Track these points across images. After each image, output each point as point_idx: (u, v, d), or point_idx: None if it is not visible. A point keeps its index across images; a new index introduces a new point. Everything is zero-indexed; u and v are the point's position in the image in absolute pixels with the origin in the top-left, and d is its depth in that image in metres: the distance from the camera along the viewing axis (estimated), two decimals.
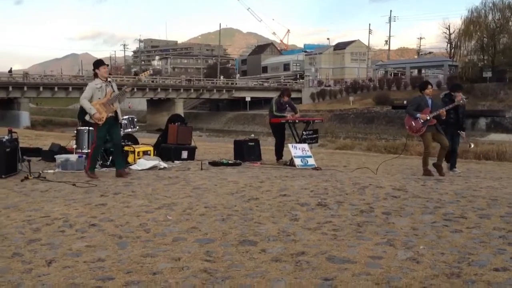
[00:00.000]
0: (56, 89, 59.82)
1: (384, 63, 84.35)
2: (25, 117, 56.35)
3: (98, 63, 8.28)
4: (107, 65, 8.44)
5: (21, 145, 12.41)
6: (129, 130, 9.90)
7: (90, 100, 8.03)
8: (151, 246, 4.37)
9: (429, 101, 9.20)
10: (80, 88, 55.99)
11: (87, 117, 8.15)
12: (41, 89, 58.88)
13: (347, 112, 58.18)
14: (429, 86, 9.35)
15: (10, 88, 55.80)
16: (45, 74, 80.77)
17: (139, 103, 78.24)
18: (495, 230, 4.82)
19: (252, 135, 12.78)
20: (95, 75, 8.20)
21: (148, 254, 4.14)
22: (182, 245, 4.40)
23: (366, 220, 5.23)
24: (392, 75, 73.68)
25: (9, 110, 57.50)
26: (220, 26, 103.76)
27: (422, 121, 8.99)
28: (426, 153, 9.29)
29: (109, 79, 8.32)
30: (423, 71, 71.63)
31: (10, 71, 67.19)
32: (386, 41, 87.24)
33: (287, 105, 11.15)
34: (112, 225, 5.08)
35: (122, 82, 60.90)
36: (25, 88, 57.02)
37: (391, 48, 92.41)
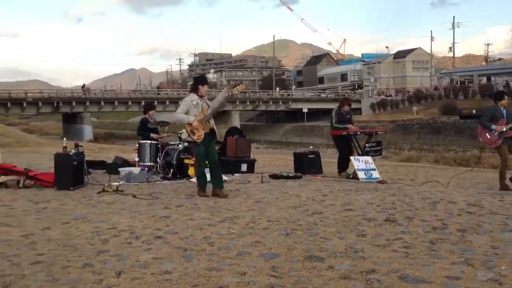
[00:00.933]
0: (116, 103, 61.87)
1: (450, 71, 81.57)
2: (88, 131, 58.42)
3: (203, 80, 7.97)
4: (208, 83, 8.10)
5: (86, 158, 12.84)
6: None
7: None
8: (216, 260, 4.31)
9: (504, 112, 8.77)
10: (138, 102, 57.71)
11: (183, 135, 7.89)
12: (102, 103, 61.04)
13: (411, 122, 56.00)
14: (506, 97, 8.93)
15: (74, 103, 58.24)
16: (106, 89, 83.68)
17: None
18: None
19: (311, 147, 12.54)
20: (193, 90, 7.79)
21: (213, 268, 4.08)
22: (247, 260, 4.32)
23: (440, 237, 4.96)
24: (459, 83, 71.05)
25: (73, 124, 59.88)
26: (274, 38, 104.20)
27: (497, 133, 8.57)
28: (504, 166, 8.81)
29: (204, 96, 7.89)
30: (492, 78, 68.46)
31: (83, 87, 70.01)
32: (450, 48, 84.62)
33: (348, 116, 10.91)
34: (177, 237, 5.08)
35: (179, 95, 62.22)
36: (87, 103, 59.34)
37: (455, 55, 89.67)
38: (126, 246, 4.78)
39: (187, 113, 7.58)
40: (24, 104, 55.58)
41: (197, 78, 7.97)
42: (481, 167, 15.08)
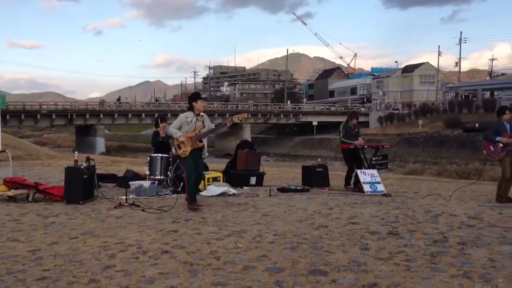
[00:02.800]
0: (130, 115, 62.30)
1: (454, 86, 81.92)
2: (101, 143, 58.79)
3: (196, 96, 8.20)
4: (204, 99, 8.42)
5: (97, 171, 13.00)
6: None
7: None
8: (221, 274, 4.41)
9: (508, 126, 8.91)
10: (152, 114, 58.03)
11: (173, 151, 8.15)
12: (116, 116, 61.42)
13: (416, 135, 56.61)
14: (507, 112, 9.09)
15: (87, 116, 58.61)
16: (120, 102, 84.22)
17: None
18: None
19: (319, 160, 12.66)
20: (190, 108, 8.08)
21: (219, 283, 4.18)
22: (252, 274, 4.41)
23: (440, 251, 5.06)
24: (463, 98, 71.33)
25: (86, 136, 60.26)
26: (287, 52, 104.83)
27: (501, 145, 8.72)
28: (503, 177, 8.94)
29: (201, 114, 8.14)
30: (495, 93, 68.78)
31: (119, 99, 70.11)
32: (456, 63, 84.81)
33: (356, 129, 11.02)
34: (184, 252, 5.17)
35: None
36: (101, 116, 59.73)
37: (462, 70, 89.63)
38: (132, 261, 4.85)
39: (180, 128, 7.91)
40: (38, 116, 56.13)
41: (190, 96, 8.21)
42: (482, 180, 15.08)
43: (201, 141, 7.96)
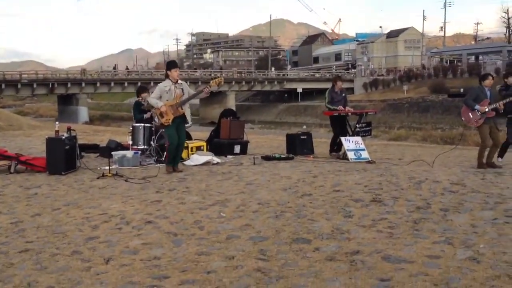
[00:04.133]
0: (112, 84, 61.47)
1: (439, 50, 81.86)
2: (83, 112, 58.09)
3: (170, 65, 8.38)
4: (179, 67, 8.46)
5: (80, 141, 12.86)
6: None
7: None
8: (205, 244, 4.41)
9: (488, 93, 8.92)
10: (135, 83, 57.40)
11: (156, 120, 8.35)
12: (98, 84, 60.60)
13: (401, 101, 56.80)
14: (490, 77, 9.09)
15: (69, 85, 57.71)
16: (102, 70, 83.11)
17: None
18: None
19: (304, 127, 12.64)
20: (166, 76, 8.24)
21: (202, 252, 4.18)
22: (236, 243, 4.42)
23: (423, 217, 5.10)
24: (448, 62, 71.41)
25: (69, 105, 59.51)
26: (270, 17, 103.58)
27: (480, 112, 8.72)
28: (483, 145, 9.00)
29: (179, 81, 8.31)
30: (480, 57, 68.92)
31: (115, 67, 69.14)
32: (441, 28, 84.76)
33: (343, 94, 10.96)
34: (167, 222, 5.16)
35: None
36: (83, 84, 58.85)
37: (446, 35, 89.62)
38: (116, 232, 4.84)
39: (160, 98, 8.07)
40: (19, 86, 55.02)
41: (167, 63, 8.37)
42: (466, 145, 15.24)
43: (181, 109, 8.07)
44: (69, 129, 8.46)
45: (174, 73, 8.15)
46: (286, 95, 73.07)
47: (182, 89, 8.20)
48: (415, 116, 52.33)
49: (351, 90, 66.48)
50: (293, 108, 67.40)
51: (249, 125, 54.35)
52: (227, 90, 66.96)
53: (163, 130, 8.67)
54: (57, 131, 8.54)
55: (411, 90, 59.55)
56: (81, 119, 54.03)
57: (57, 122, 9.40)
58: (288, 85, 71.26)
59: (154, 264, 3.94)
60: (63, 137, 8.16)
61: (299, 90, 68.84)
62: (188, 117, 8.40)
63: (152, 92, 8.43)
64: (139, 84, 55.98)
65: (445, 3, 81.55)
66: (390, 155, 11.72)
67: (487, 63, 61.11)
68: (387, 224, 4.90)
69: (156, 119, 8.27)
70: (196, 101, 75.91)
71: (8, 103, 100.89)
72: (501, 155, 9.43)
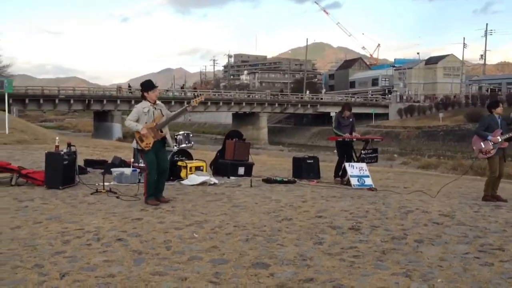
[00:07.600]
0: None
1: (478, 79, 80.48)
2: (117, 129, 59.19)
3: (147, 86, 7.50)
4: (157, 87, 7.73)
5: (94, 157, 13.06)
6: (184, 145, 10.03)
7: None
8: (165, 264, 4.41)
9: (499, 121, 8.65)
10: (169, 102, 58.28)
11: (133, 144, 7.62)
12: (132, 102, 61.59)
13: (436, 129, 55.91)
14: (501, 105, 8.85)
15: (105, 101, 59.02)
16: (136, 88, 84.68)
17: (226, 117, 79.81)
18: None
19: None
20: (143, 97, 7.49)
21: (157, 272, 4.18)
22: (195, 265, 4.40)
23: (394, 248, 4.97)
24: (488, 91, 69.92)
25: (104, 122, 60.79)
26: (307, 41, 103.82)
27: (492, 143, 8.44)
28: (492, 177, 8.67)
29: (157, 102, 7.58)
30: None
31: (183, 87, 69.97)
32: (482, 56, 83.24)
33: (350, 119, 10.85)
34: (138, 240, 5.18)
35: (209, 96, 62.82)
36: (118, 102, 60.07)
37: (491, 63, 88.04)
38: (83, 248, 4.88)
39: (138, 120, 7.36)
40: (57, 101, 56.55)
41: (142, 85, 7.58)
42: (485, 177, 14.75)
43: (161, 131, 7.42)
44: (69, 145, 8.63)
45: (152, 94, 7.45)
46: (314, 118, 72.87)
47: (161, 110, 7.53)
48: (450, 144, 51.30)
49: (386, 116, 65.84)
50: (326, 132, 66.96)
51: (279, 147, 54.37)
52: (259, 111, 67.27)
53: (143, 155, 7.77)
54: (57, 146, 8.72)
55: (447, 118, 58.56)
56: (115, 135, 55.06)
57: (57, 137, 9.60)
58: (322, 109, 71.06)
59: (106, 281, 3.95)
60: (62, 152, 8.32)
61: (332, 114, 68.47)
62: (168, 139, 7.63)
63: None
64: (172, 103, 56.95)
65: (486, 31, 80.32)
66: (400, 183, 11.47)
67: None
68: (354, 253, 4.80)
69: (134, 142, 7.49)
70: (229, 121, 76.44)
71: (49, 118, 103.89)
72: None
